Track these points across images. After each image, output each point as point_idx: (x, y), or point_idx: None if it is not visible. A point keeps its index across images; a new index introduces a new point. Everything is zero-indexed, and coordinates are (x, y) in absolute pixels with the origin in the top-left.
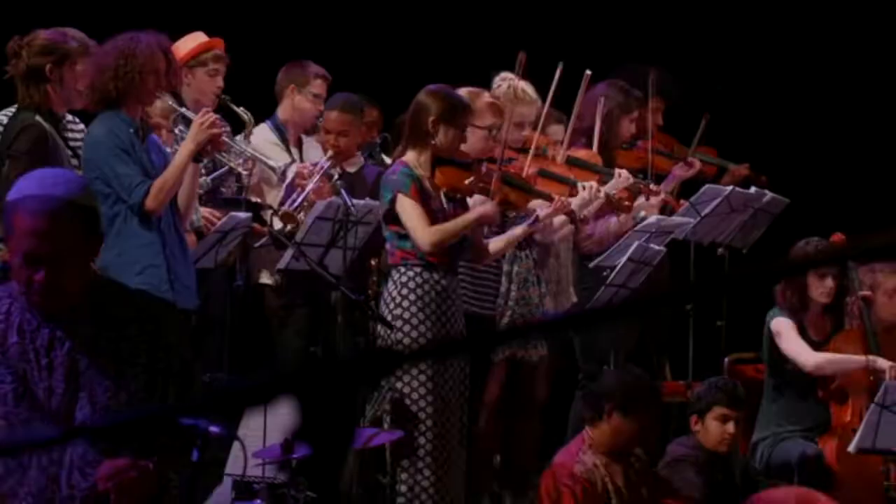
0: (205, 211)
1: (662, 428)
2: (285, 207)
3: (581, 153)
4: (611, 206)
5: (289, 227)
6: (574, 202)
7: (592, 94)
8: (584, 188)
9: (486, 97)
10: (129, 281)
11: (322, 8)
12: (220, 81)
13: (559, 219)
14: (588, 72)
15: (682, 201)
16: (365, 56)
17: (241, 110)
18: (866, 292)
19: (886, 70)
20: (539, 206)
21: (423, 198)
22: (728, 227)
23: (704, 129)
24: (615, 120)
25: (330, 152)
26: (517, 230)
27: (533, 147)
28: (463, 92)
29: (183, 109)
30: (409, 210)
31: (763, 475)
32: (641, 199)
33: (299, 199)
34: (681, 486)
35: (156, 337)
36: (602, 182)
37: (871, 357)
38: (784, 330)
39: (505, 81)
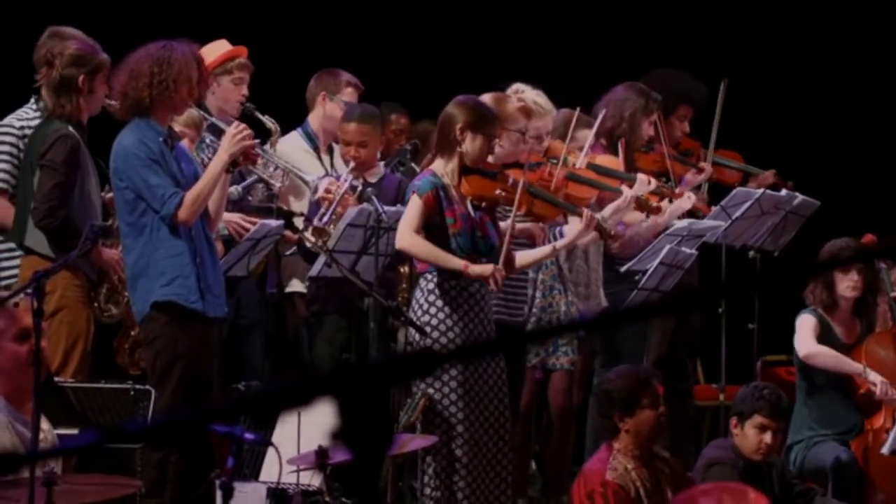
0: (236, 216)
1: (696, 431)
2: (315, 223)
3: (602, 159)
4: (641, 208)
5: (320, 241)
6: (607, 210)
7: (610, 97)
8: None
9: (515, 100)
10: (156, 292)
11: (349, 16)
12: (244, 90)
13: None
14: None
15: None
16: (395, 63)
17: (266, 119)
18: None
19: None
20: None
21: (443, 206)
22: (759, 229)
23: (724, 97)
24: (636, 122)
25: (351, 164)
26: (546, 249)
27: (562, 157)
28: (490, 97)
29: (214, 119)
30: (410, 208)
31: (798, 479)
32: (666, 203)
33: (328, 215)
34: None
35: None
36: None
37: (867, 368)
38: (801, 324)
39: (516, 95)
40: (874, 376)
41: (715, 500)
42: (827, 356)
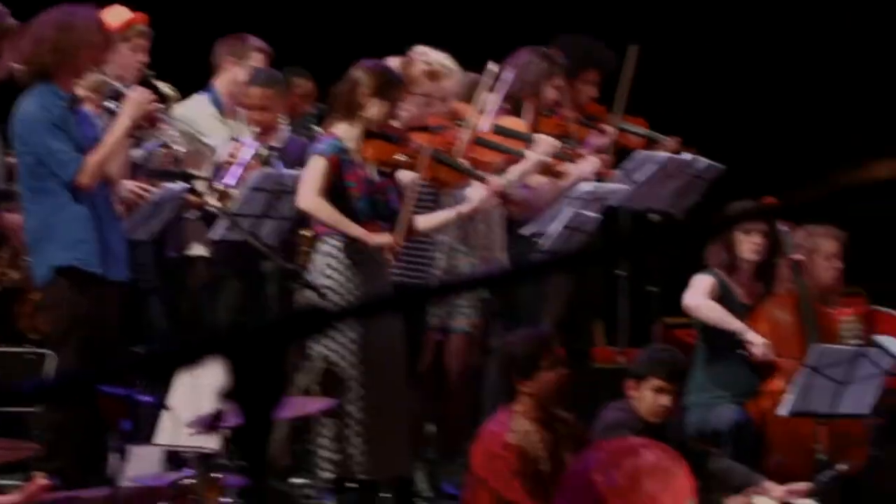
0: (131, 183)
1: (593, 394)
2: (218, 186)
3: (506, 121)
4: (545, 173)
5: (224, 205)
6: (512, 174)
7: (515, 60)
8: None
9: (421, 64)
10: (58, 256)
11: None
12: (142, 56)
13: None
14: None
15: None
16: (299, 27)
17: (164, 85)
18: (798, 256)
19: (818, 36)
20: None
21: (344, 170)
22: (662, 193)
23: (635, 64)
24: (540, 85)
25: (255, 128)
26: (449, 213)
27: (468, 120)
28: (397, 61)
29: (116, 84)
30: (312, 169)
31: (695, 440)
32: (569, 166)
33: (232, 178)
34: None
35: None
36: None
37: (747, 328)
38: (694, 282)
39: (421, 58)
40: (753, 336)
41: (655, 456)
42: (710, 309)
